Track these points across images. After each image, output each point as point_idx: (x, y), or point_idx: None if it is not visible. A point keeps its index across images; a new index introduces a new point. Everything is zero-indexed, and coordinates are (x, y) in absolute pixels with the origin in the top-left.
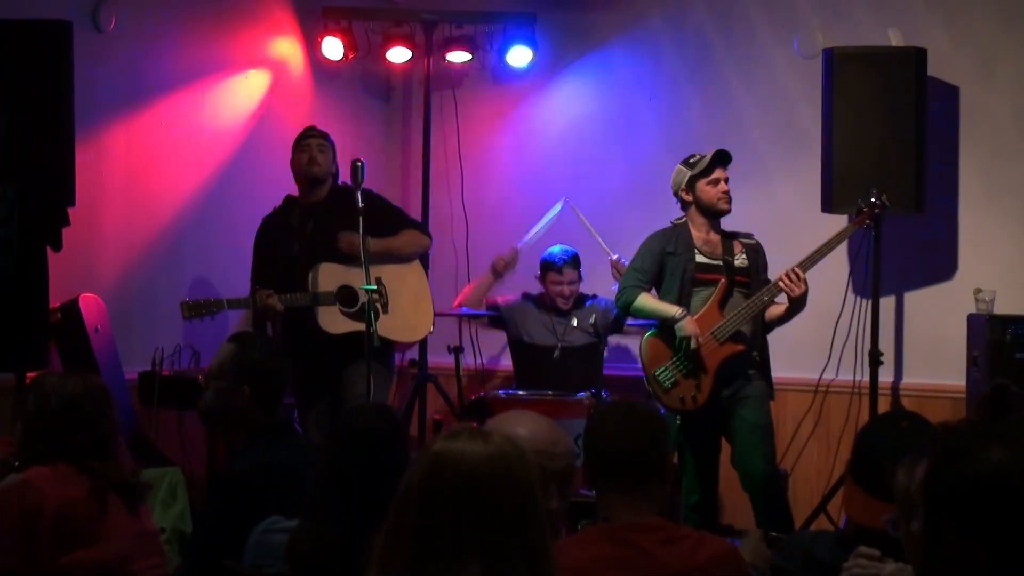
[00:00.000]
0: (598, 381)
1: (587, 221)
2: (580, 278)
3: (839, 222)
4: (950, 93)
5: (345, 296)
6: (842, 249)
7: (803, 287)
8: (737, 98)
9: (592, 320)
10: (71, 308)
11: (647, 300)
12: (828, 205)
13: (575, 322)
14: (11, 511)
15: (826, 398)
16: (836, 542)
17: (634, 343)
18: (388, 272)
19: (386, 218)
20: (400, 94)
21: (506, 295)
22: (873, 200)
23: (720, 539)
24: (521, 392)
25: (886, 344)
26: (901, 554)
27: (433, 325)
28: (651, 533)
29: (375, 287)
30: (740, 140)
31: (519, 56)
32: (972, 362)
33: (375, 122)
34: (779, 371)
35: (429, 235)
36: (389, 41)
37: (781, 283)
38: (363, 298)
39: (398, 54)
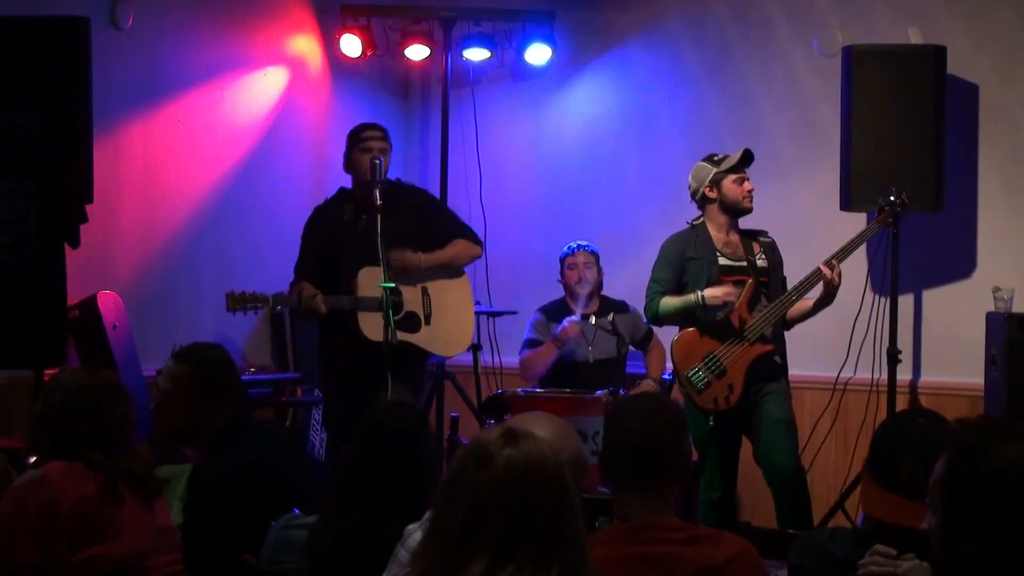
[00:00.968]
0: (618, 379)
1: None
2: (599, 269)
3: (857, 220)
4: (969, 91)
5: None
6: (860, 247)
7: (839, 279)
8: (756, 96)
9: (611, 318)
10: (89, 305)
11: (668, 301)
12: (847, 203)
13: (593, 320)
14: (28, 507)
15: (844, 396)
16: (853, 539)
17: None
18: (435, 284)
19: (439, 223)
20: (418, 92)
21: (531, 353)
22: (893, 199)
23: (738, 538)
24: (539, 390)
25: (904, 342)
26: (920, 551)
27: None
28: (671, 532)
29: (392, 284)
30: (759, 138)
31: (538, 54)
32: (990, 360)
33: (393, 120)
34: (797, 369)
35: (480, 243)
36: (407, 38)
37: (823, 270)
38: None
39: (416, 51)
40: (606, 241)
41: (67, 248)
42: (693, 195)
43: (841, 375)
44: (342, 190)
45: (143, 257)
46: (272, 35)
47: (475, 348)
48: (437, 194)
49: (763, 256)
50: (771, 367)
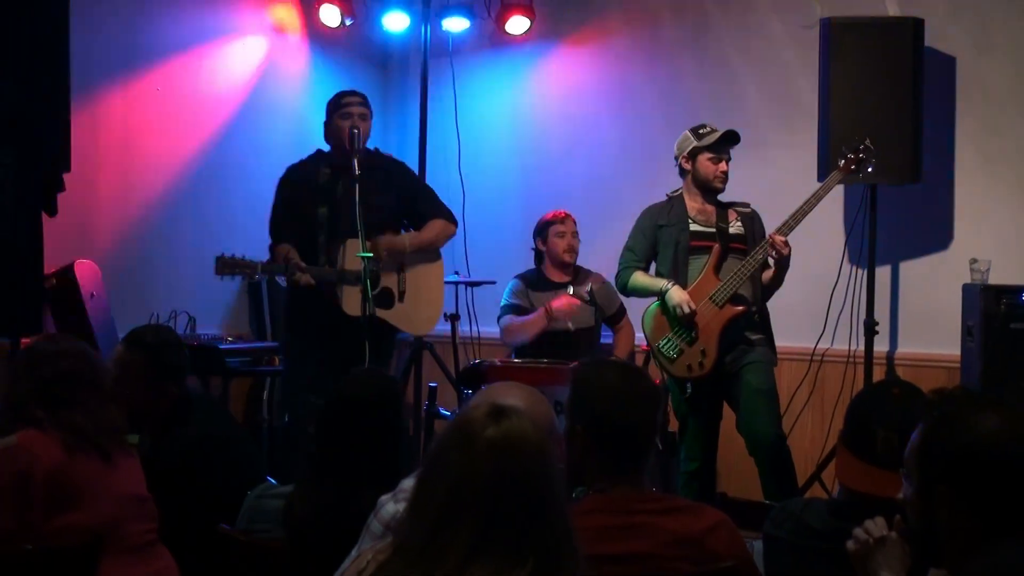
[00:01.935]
0: (596, 349)
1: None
2: (579, 238)
3: (835, 191)
4: (947, 63)
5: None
6: (838, 219)
7: (787, 247)
8: (734, 68)
9: (589, 288)
10: (66, 274)
11: (639, 278)
12: (825, 174)
13: (571, 290)
14: (2, 474)
15: (821, 367)
16: (828, 509)
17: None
18: (411, 263)
19: (418, 201)
20: (397, 61)
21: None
22: (857, 146)
23: (715, 510)
24: (516, 360)
25: (881, 314)
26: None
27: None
28: (648, 503)
29: (371, 254)
30: (737, 110)
31: (517, 24)
32: (967, 332)
33: (372, 89)
34: (775, 340)
35: (456, 222)
36: (386, 8)
37: (772, 237)
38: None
39: (395, 21)
40: (584, 211)
41: (44, 216)
42: (676, 161)
43: (818, 346)
44: (319, 152)
45: (121, 226)
46: (251, 3)
47: (453, 318)
48: (416, 164)
49: (739, 224)
50: (748, 329)
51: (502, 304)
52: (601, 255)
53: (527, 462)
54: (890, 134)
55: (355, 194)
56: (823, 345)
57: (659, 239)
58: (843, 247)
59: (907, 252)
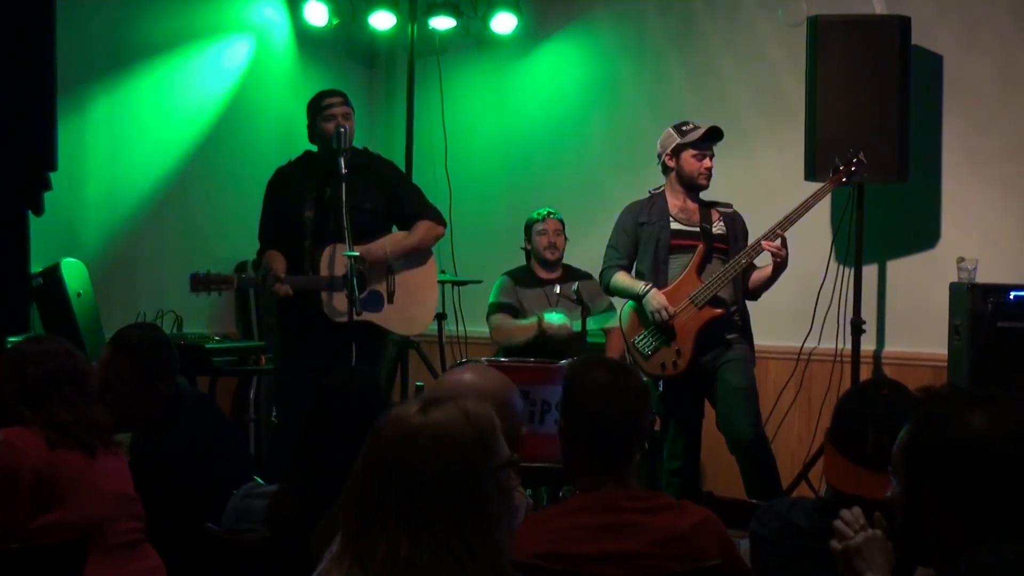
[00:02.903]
0: (581, 348)
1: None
2: (566, 238)
3: None
4: (934, 61)
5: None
6: (825, 217)
7: (785, 249)
8: (721, 66)
9: (575, 287)
10: (53, 273)
11: (619, 279)
12: (811, 173)
13: (558, 288)
14: None
15: (808, 366)
16: (815, 508)
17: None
18: (399, 265)
19: (405, 202)
20: (384, 60)
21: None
22: (850, 158)
23: (701, 508)
24: (503, 359)
25: (868, 312)
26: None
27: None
28: (635, 501)
29: (356, 253)
30: (724, 108)
31: (504, 22)
32: (954, 331)
33: (358, 88)
34: (761, 339)
35: (444, 222)
36: (373, 6)
37: (764, 245)
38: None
39: (382, 19)
40: (571, 210)
41: (31, 216)
42: (658, 159)
43: (805, 345)
44: (307, 153)
45: (108, 225)
46: (238, 2)
47: (440, 317)
48: (403, 163)
49: (721, 224)
50: (726, 331)
51: (491, 302)
52: (588, 253)
53: (456, 451)
54: (877, 132)
55: (342, 194)
56: (810, 344)
57: (640, 236)
58: (830, 246)
59: (894, 251)
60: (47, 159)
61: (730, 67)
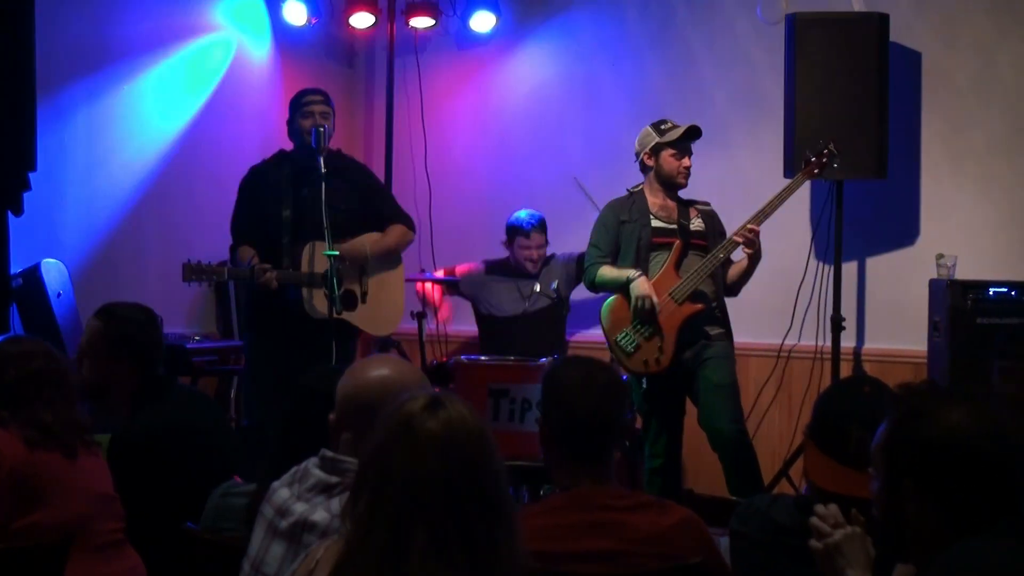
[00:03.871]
0: (560, 346)
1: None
2: (547, 242)
3: (802, 187)
4: (912, 58)
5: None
6: (804, 215)
7: (757, 240)
8: (700, 64)
9: (555, 285)
10: (32, 273)
11: (605, 271)
12: (790, 170)
13: (538, 287)
14: None
15: (788, 363)
16: (795, 505)
17: (597, 304)
18: (372, 266)
19: (379, 205)
20: (363, 59)
21: (468, 264)
22: (821, 148)
23: (682, 507)
24: (483, 357)
25: (848, 309)
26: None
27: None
28: (615, 500)
29: (336, 252)
30: (702, 105)
31: (483, 21)
32: (933, 327)
33: (338, 88)
34: (741, 336)
35: (414, 228)
36: (352, 6)
37: (737, 238)
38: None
39: (361, 19)
40: (550, 208)
41: (10, 216)
42: (636, 157)
43: (785, 342)
44: (281, 152)
45: (87, 225)
46: (217, 2)
47: (420, 316)
48: (382, 162)
49: (700, 220)
50: (707, 326)
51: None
52: (568, 249)
53: (470, 450)
54: (856, 129)
55: (321, 193)
56: (790, 341)
57: (621, 234)
58: (810, 243)
59: (873, 248)
60: (26, 159)
61: (709, 65)
